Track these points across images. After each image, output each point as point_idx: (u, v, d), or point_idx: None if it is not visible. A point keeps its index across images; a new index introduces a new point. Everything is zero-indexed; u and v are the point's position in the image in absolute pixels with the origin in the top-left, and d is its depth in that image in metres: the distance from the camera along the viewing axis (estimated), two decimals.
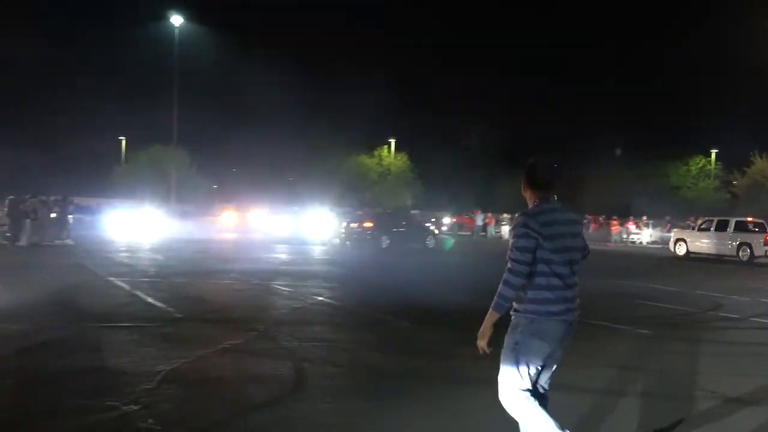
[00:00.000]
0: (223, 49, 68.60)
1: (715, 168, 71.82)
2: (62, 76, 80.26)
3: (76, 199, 38.33)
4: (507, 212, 51.99)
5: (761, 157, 52.41)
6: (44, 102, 77.98)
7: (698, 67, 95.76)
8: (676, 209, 53.53)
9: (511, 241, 4.25)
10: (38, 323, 9.64)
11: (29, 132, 66.55)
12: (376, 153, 76.34)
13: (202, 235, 35.60)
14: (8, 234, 25.73)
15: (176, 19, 45.07)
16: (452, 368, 7.84)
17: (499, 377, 4.44)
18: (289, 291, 14.21)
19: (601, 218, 46.68)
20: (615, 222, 47.09)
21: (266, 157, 67.92)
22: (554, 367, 4.46)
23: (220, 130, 69.18)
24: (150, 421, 5.57)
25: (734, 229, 29.33)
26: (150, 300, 12.12)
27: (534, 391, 4.35)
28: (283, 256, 24.32)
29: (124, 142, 74.90)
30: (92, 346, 8.25)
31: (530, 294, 4.22)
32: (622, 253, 34.81)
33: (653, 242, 42.19)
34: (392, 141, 76.69)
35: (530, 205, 4.36)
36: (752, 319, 12.09)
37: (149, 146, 61.08)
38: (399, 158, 76.49)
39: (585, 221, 47.62)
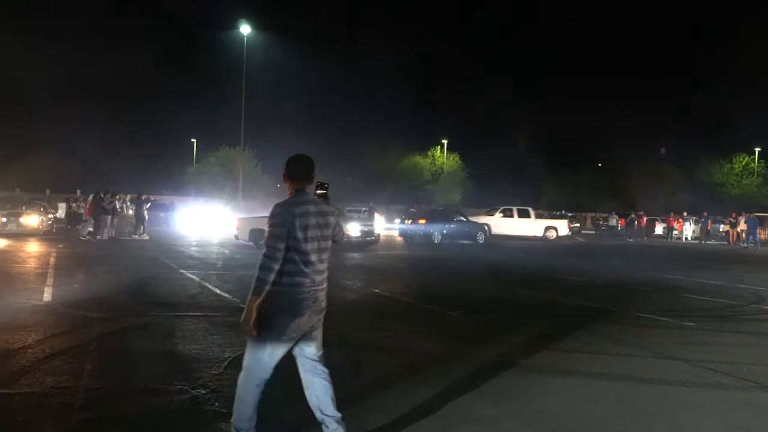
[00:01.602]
0: (288, 56, 69.29)
1: (758, 165, 69.87)
2: (140, 81, 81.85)
3: (152, 197, 39.12)
4: (555, 210, 51.45)
5: None
6: (124, 105, 79.72)
7: (743, 65, 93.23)
8: (722, 207, 52.15)
9: (267, 229, 4.42)
10: (116, 311, 9.83)
11: (111, 133, 68.16)
12: (429, 153, 76.25)
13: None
14: (90, 229, 26.37)
15: (245, 29, 45.57)
16: (500, 355, 7.78)
17: (247, 350, 4.60)
18: (348, 283, 14.27)
19: (641, 214, 45.71)
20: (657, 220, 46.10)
21: (326, 157, 68.37)
22: (314, 344, 4.67)
23: (284, 132, 69.80)
24: (216, 404, 5.65)
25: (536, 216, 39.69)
26: (217, 291, 12.28)
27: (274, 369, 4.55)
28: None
29: (195, 144, 76.28)
30: (164, 334, 8.40)
31: (284, 278, 4.34)
32: (667, 247, 34.11)
33: (695, 238, 41.18)
34: (445, 141, 76.53)
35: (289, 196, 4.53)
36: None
37: (218, 148, 62.09)
38: (451, 158, 76.31)
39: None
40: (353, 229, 24.44)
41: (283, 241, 4.31)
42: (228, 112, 56.03)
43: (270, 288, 4.31)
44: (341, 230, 4.74)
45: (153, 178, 60.03)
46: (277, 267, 4.30)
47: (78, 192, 42.03)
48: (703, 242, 38.60)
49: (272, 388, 4.75)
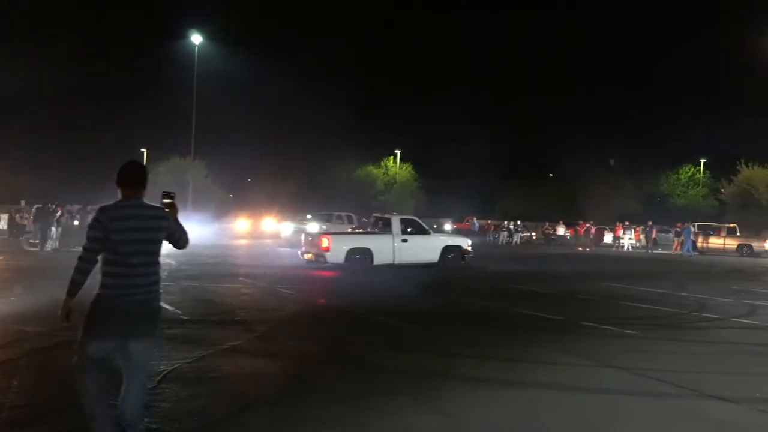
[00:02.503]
0: (240, 66, 68.94)
1: (704, 176, 71.54)
2: (88, 93, 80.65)
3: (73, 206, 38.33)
4: (507, 219, 51.91)
5: (747, 166, 52.10)
6: (71, 117, 78.27)
7: (689, 78, 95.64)
8: (669, 216, 53.13)
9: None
10: (52, 325, 9.51)
11: (56, 145, 66.91)
12: (382, 163, 76.48)
13: (216, 242, 35.53)
14: (35, 240, 25.72)
15: (196, 38, 45.13)
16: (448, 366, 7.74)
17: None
18: (292, 294, 14.13)
19: (589, 224, 46.41)
20: (589, 227, 46.76)
21: (278, 168, 68.18)
22: (141, 349, 4.58)
23: (235, 143, 69.38)
24: (146, 420, 5.46)
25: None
26: (161, 303, 12.00)
27: (98, 365, 4.50)
28: (289, 261, 24.20)
29: (145, 154, 75.22)
30: None
31: (104, 280, 4.46)
32: (609, 257, 34.58)
33: (643, 247, 41.86)
34: (398, 151, 76.86)
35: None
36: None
37: (169, 158, 61.30)
38: (404, 168, 76.64)
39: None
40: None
41: (97, 243, 4.43)
42: (179, 122, 55.40)
43: (98, 289, 4.46)
44: (182, 236, 4.81)
45: (102, 188, 58.91)
46: (90, 267, 4.46)
47: (22, 203, 41.00)
48: (649, 251, 39.22)
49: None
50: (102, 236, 4.41)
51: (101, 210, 4.50)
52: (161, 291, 4.76)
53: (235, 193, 70.56)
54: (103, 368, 4.55)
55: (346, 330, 10.28)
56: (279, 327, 10.00)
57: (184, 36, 46.20)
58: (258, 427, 5.49)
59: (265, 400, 6.18)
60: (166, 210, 4.77)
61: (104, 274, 4.46)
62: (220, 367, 7.47)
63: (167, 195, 4.88)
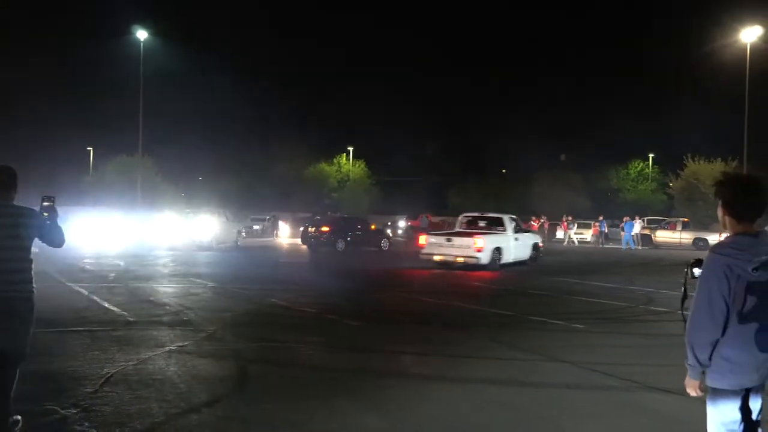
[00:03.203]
0: (187, 61, 68.11)
1: (652, 171, 72.94)
2: (32, 89, 78.69)
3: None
4: (456, 215, 52.23)
5: (694, 161, 53.21)
6: (13, 113, 76.45)
7: (637, 73, 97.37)
8: (619, 210, 54.00)
9: None
10: None
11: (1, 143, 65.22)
12: (335, 160, 76.36)
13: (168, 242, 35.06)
14: None
15: (141, 34, 44.36)
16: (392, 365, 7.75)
17: None
18: (244, 293, 14.00)
19: (543, 220, 46.97)
20: (535, 222, 47.38)
21: (229, 166, 67.59)
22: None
23: (184, 140, 68.51)
24: (86, 424, 5.37)
25: None
26: (106, 305, 11.80)
27: None
28: (239, 259, 24.01)
29: (92, 152, 73.90)
30: (40, 351, 7.89)
31: None
32: (559, 252, 35.05)
33: (596, 241, 42.51)
34: (350, 148, 76.82)
35: None
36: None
37: (116, 156, 60.25)
38: (357, 165, 76.62)
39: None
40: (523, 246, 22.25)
41: None
42: (126, 119, 54.50)
43: None
44: (50, 233, 5.05)
45: (46, 186, 57.67)
46: None
47: None
48: (602, 245, 39.86)
49: None
50: None
51: None
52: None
53: (186, 192, 69.69)
54: None
55: (300, 331, 10.21)
56: (227, 327, 9.89)
57: (130, 32, 45.36)
58: (199, 430, 5.40)
59: (208, 402, 6.10)
60: (45, 213, 5.04)
61: None
62: (166, 368, 7.35)
63: (47, 198, 5.16)
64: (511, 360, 8.13)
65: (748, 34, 36.69)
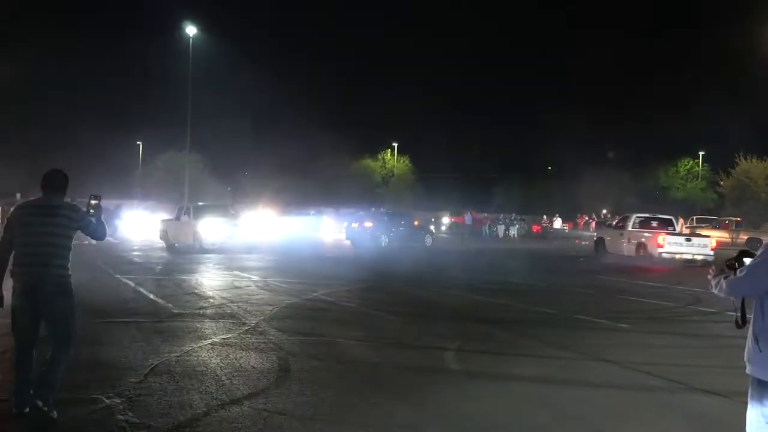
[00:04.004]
0: (236, 58, 68.85)
1: (702, 169, 71.53)
2: (85, 85, 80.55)
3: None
4: (504, 213, 52.01)
5: (745, 159, 52.09)
6: (70, 109, 78.19)
7: (688, 70, 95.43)
8: (668, 209, 53.20)
9: None
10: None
11: (53, 136, 66.80)
12: (380, 156, 76.44)
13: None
14: None
15: (190, 30, 44.92)
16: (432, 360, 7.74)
17: None
18: (285, 287, 14.11)
19: (588, 217, 46.46)
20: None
21: (277, 161, 68.09)
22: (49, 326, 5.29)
23: (232, 137, 69.28)
24: (130, 414, 5.46)
25: None
26: (152, 296, 12.02)
27: (24, 345, 5.29)
28: (281, 255, 24.16)
29: (141, 147, 75.14)
30: (87, 341, 8.06)
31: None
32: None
33: None
34: (395, 144, 76.80)
35: None
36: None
37: (165, 151, 61.28)
38: (402, 161, 76.60)
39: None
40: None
41: (8, 233, 5.31)
42: (175, 115, 55.27)
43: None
44: (93, 227, 5.54)
45: (97, 180, 58.87)
46: (6, 255, 5.31)
47: (18, 196, 40.92)
48: None
49: None
50: (10, 228, 5.38)
51: (16, 207, 5.61)
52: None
53: (232, 186, 70.48)
54: None
55: (342, 326, 10.25)
56: (269, 321, 9.96)
57: (179, 27, 45.95)
58: (240, 422, 5.46)
59: (249, 395, 6.16)
60: (91, 210, 5.59)
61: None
62: (209, 360, 7.44)
63: (94, 197, 5.67)
64: (556, 358, 8.05)
65: None
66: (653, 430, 5.59)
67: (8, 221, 5.45)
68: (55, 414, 5.11)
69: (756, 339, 3.59)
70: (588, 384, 6.84)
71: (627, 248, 23.36)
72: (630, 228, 23.79)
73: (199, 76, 46.91)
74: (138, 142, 75.31)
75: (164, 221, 28.21)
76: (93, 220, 5.55)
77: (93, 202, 5.62)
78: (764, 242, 3.65)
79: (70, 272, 5.37)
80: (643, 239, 22.64)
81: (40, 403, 5.05)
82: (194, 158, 56.66)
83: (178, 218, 25.69)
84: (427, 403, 6.03)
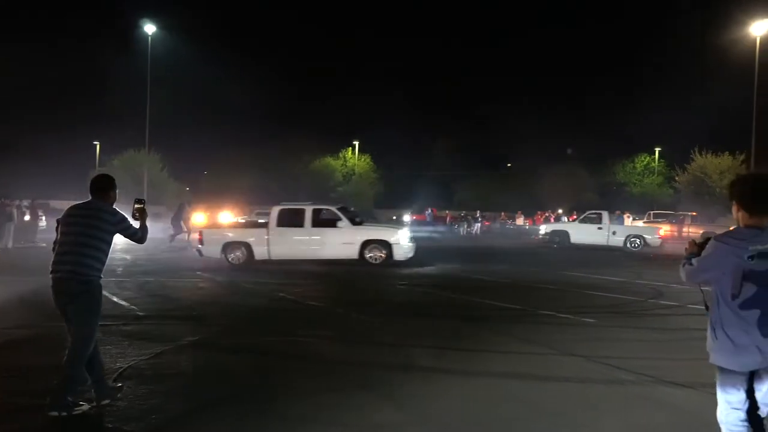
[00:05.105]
0: (194, 57, 68.16)
1: (658, 165, 72.80)
2: (39, 84, 79.00)
3: (51, 203, 37.57)
4: (465, 210, 52.30)
5: (701, 154, 53.10)
6: (21, 109, 76.62)
7: (645, 66, 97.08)
8: (626, 204, 53.97)
9: None
10: (4, 323, 9.36)
11: (6, 138, 65.36)
12: (341, 154, 76.38)
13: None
14: None
15: (149, 28, 44.31)
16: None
17: None
18: (252, 287, 14.01)
19: (548, 214, 47.05)
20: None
21: (236, 160, 67.54)
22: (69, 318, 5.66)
23: (192, 136, 68.70)
24: (102, 418, 5.38)
25: None
26: (115, 299, 11.81)
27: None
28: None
29: (98, 147, 74.03)
30: (54, 346, 7.90)
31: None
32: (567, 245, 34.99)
33: None
34: (356, 143, 76.80)
35: None
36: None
37: (123, 151, 60.40)
38: (363, 159, 76.64)
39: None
40: None
41: (57, 235, 5.60)
42: (134, 115, 54.52)
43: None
44: (133, 231, 5.76)
45: (53, 182, 57.82)
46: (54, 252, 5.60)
47: None
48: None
49: None
50: (60, 229, 5.67)
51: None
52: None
53: (191, 186, 69.76)
54: None
55: (313, 326, 10.21)
56: (238, 321, 9.86)
57: (137, 26, 45.33)
58: (218, 425, 5.41)
59: (225, 397, 6.11)
60: (136, 214, 5.92)
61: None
62: (179, 362, 7.35)
63: (138, 201, 5.99)
64: (527, 354, 8.10)
65: (758, 28, 36.57)
66: (628, 421, 5.67)
67: (57, 222, 5.72)
68: (68, 412, 5.37)
69: (713, 328, 3.87)
70: (560, 379, 6.91)
71: None
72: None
73: (158, 75, 46.35)
74: (95, 142, 74.28)
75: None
76: (134, 224, 5.80)
77: (137, 206, 5.93)
78: (710, 242, 3.88)
79: (99, 275, 5.55)
80: None
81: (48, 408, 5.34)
82: (153, 157, 56.05)
83: None
84: (405, 401, 6.04)
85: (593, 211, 30.55)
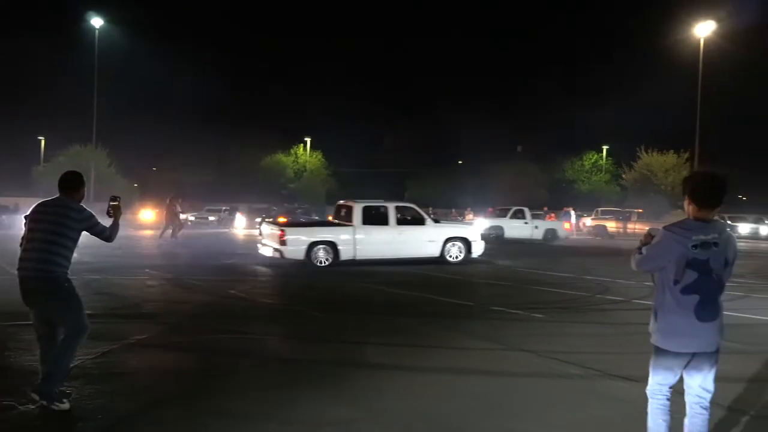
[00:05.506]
0: (143, 52, 66.99)
1: (606, 162, 74.09)
2: None
3: None
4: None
5: (647, 153, 54.24)
6: None
7: (593, 65, 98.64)
8: (575, 201, 54.81)
9: None
10: None
11: None
12: (292, 151, 76.05)
13: (121, 233, 34.46)
14: None
15: (96, 21, 43.45)
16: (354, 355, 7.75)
17: None
18: (201, 285, 13.86)
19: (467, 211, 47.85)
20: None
21: (186, 157, 66.79)
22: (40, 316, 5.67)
23: (140, 130, 67.58)
24: (47, 420, 5.26)
25: None
26: None
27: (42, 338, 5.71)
28: (195, 250, 23.70)
29: (43, 143, 72.42)
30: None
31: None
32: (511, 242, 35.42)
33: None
34: (308, 139, 76.53)
35: None
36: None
37: (69, 146, 59.17)
38: (314, 156, 76.42)
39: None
40: None
41: (24, 231, 5.55)
42: (80, 109, 53.48)
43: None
44: (101, 229, 5.69)
45: None
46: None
47: None
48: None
49: None
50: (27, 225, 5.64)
51: None
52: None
53: (140, 183, 68.69)
54: None
55: (262, 323, 10.15)
56: (186, 319, 9.75)
57: (84, 19, 44.44)
58: (166, 424, 5.34)
59: (174, 396, 6.04)
60: (111, 211, 5.82)
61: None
62: (127, 361, 7.24)
63: (113, 198, 5.90)
64: (475, 350, 8.19)
65: (702, 29, 37.45)
66: (576, 414, 5.76)
67: (24, 218, 5.66)
68: (58, 406, 5.35)
69: (655, 311, 4.15)
70: (510, 374, 7.00)
71: None
72: None
73: (105, 69, 45.54)
74: (40, 138, 72.63)
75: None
76: (105, 222, 5.73)
77: (112, 203, 5.85)
78: (659, 230, 4.14)
79: (66, 271, 5.53)
80: None
81: (36, 397, 5.33)
82: (100, 153, 55.07)
83: None
84: (358, 398, 6.04)
85: (518, 207, 34.01)
